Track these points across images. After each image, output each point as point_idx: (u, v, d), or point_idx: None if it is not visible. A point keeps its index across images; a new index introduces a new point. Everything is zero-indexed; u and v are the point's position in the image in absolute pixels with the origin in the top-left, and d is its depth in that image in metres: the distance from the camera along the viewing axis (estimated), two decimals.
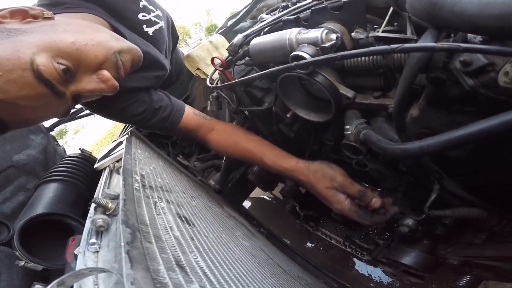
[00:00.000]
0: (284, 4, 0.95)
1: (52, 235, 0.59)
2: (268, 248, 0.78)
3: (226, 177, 1.02)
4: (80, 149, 0.76)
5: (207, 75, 0.91)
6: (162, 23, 0.80)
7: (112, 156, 0.55)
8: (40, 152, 0.82)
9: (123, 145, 0.62)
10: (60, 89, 0.45)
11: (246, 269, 0.43)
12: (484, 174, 0.39)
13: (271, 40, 0.53)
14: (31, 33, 0.45)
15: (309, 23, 0.52)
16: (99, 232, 0.33)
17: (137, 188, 0.35)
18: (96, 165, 0.54)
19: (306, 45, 0.43)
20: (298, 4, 0.72)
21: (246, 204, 1.72)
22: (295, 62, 0.39)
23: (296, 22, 0.55)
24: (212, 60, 0.68)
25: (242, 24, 1.32)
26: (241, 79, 0.59)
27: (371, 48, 0.31)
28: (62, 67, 0.44)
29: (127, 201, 0.29)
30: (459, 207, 0.40)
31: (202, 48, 0.91)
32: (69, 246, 0.52)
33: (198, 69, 0.92)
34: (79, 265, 0.30)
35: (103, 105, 0.68)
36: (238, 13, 1.95)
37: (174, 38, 0.95)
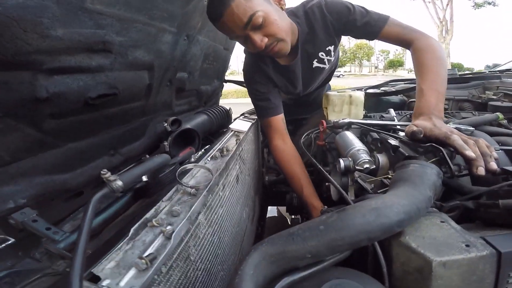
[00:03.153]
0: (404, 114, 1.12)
1: (181, 138, 0.96)
2: (248, 236, 1.07)
3: (277, 183, 1.38)
4: (229, 108, 1.28)
5: (326, 117, 1.17)
6: (327, 67, 1.14)
7: (239, 127, 0.99)
8: (212, 91, 1.39)
9: (249, 123, 1.04)
10: (244, 28, 0.83)
11: (233, 218, 0.80)
12: None
13: (347, 140, 0.80)
14: (272, 6, 0.88)
15: (381, 146, 0.76)
16: (215, 157, 0.76)
17: (238, 154, 0.78)
18: (230, 126, 0.99)
19: (350, 159, 0.73)
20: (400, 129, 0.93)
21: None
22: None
23: (374, 145, 0.82)
24: (322, 121, 1.02)
25: (392, 98, 1.51)
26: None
27: None
28: (260, 21, 0.82)
29: (235, 155, 0.71)
30: None
31: (341, 97, 1.13)
32: (185, 150, 0.88)
33: (325, 108, 1.17)
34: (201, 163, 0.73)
35: (252, 71, 1.09)
36: (401, 80, 2.05)
37: (325, 81, 1.31)
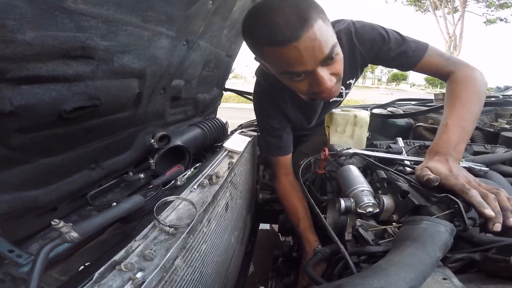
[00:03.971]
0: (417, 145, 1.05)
1: (171, 153, 0.90)
2: (236, 258, 1.03)
3: (271, 202, 1.31)
4: (226, 121, 1.20)
5: (327, 137, 1.11)
6: (343, 99, 1.06)
7: (234, 147, 0.91)
8: (210, 99, 1.31)
9: (245, 142, 0.97)
10: (319, 63, 0.65)
11: (219, 248, 0.72)
12: None
13: (351, 177, 0.74)
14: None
15: (388, 187, 0.69)
16: (203, 185, 0.68)
17: (229, 181, 0.70)
18: (224, 145, 0.92)
19: (352, 200, 0.66)
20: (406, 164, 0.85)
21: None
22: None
23: (380, 183, 0.74)
24: (324, 148, 0.92)
25: (398, 120, 1.43)
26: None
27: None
28: (332, 57, 0.66)
29: (226, 183, 0.63)
30: None
31: (345, 116, 1.06)
32: (173, 168, 0.82)
33: (328, 127, 1.11)
34: (184, 194, 0.65)
35: (266, 103, 0.97)
36: (409, 100, 1.97)
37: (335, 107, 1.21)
